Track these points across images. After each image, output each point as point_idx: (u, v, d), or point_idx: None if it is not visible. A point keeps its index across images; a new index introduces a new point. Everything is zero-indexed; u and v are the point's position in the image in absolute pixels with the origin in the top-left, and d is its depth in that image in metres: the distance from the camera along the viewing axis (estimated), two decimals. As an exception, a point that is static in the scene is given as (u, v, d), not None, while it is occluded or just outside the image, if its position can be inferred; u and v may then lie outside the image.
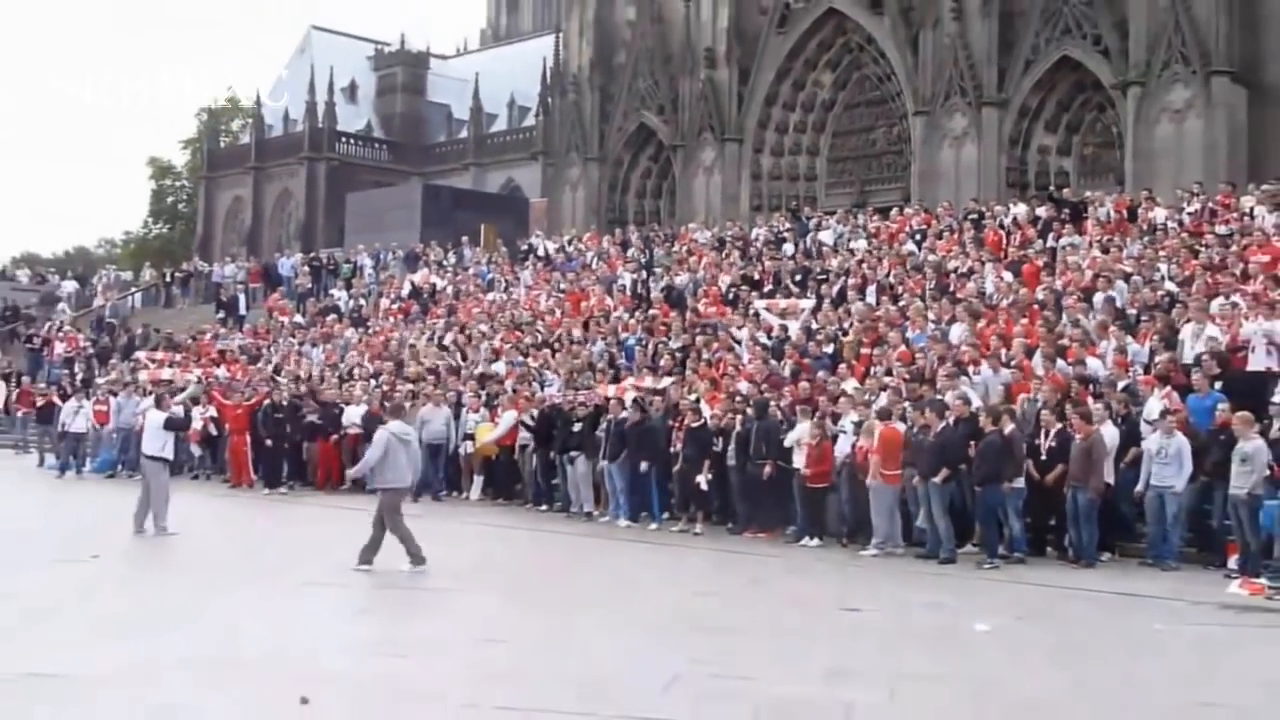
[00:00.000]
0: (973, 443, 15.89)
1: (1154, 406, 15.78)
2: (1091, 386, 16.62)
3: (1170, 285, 19.99)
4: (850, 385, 18.48)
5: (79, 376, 32.31)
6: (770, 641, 10.92)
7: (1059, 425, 15.70)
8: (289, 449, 24.49)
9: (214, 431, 25.91)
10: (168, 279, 47.15)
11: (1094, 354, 17.72)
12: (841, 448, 17.28)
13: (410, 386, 24.05)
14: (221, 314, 38.52)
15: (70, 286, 47.69)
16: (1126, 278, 20.58)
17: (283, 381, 26.33)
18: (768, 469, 17.69)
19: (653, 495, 19.44)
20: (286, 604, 12.74)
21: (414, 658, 9.99)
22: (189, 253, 63.61)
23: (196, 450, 26.31)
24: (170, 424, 17.93)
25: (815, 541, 17.19)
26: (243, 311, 38.50)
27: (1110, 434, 15.51)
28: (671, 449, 19.00)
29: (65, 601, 12.55)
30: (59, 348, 36.70)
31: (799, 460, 17.38)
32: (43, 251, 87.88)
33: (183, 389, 23.39)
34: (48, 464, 27.96)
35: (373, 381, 25.49)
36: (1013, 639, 11.26)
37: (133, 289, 47.68)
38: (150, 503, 17.35)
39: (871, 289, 24.11)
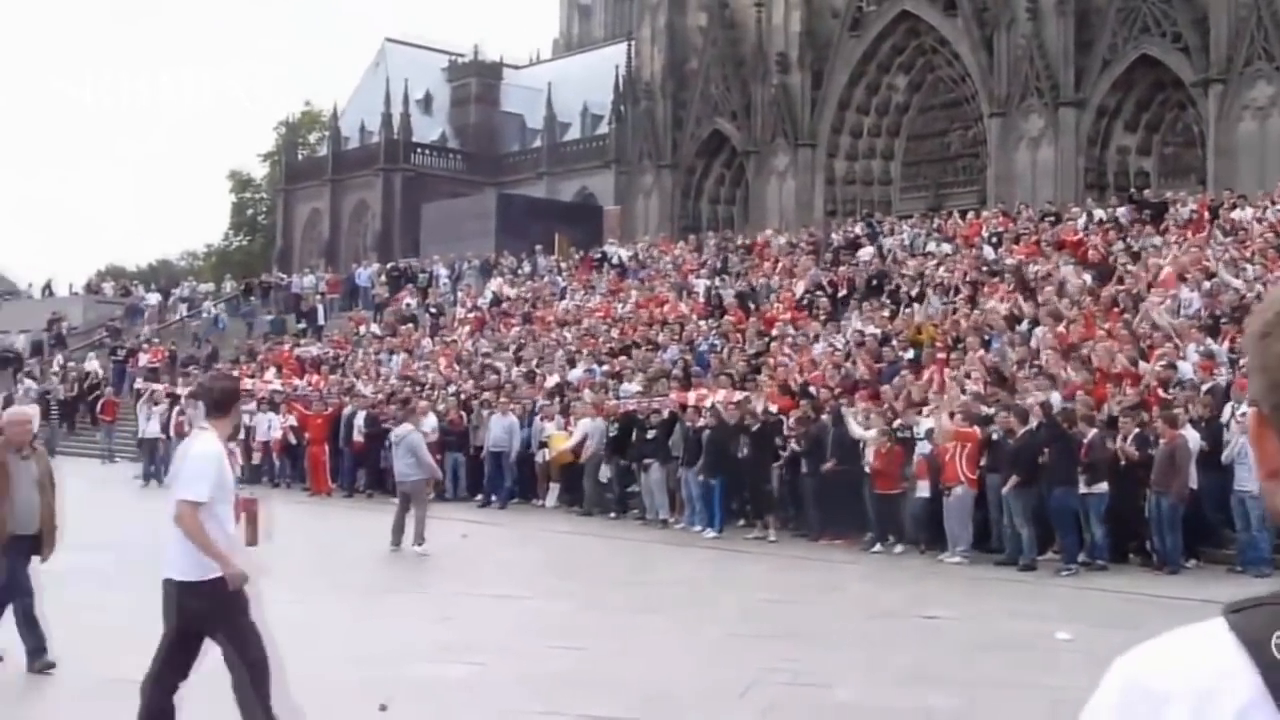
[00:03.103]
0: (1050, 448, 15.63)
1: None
2: (1172, 389, 16.32)
3: (1257, 286, 19.58)
4: (931, 390, 18.29)
5: (155, 386, 32.73)
6: (846, 648, 10.85)
7: (1137, 429, 15.38)
8: (366, 456, 24.78)
9: (294, 440, 26.36)
10: (248, 290, 47.91)
11: (1177, 356, 17.41)
12: (920, 453, 17.10)
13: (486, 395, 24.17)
14: (301, 324, 39.10)
15: (154, 299, 48.49)
16: (1210, 278, 20.24)
17: (362, 391, 26.58)
18: (827, 466, 17.61)
19: (716, 503, 19.31)
20: (365, 610, 12.86)
21: (491, 664, 10.04)
22: (269, 264, 64.42)
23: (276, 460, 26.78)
24: None
25: (884, 547, 17.06)
26: (321, 321, 39.03)
27: (1193, 438, 15.22)
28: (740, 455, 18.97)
29: (151, 611, 12.73)
30: (143, 359, 37.37)
31: (869, 464, 17.28)
32: (128, 264, 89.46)
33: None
34: (136, 472, 28.44)
35: (448, 389, 25.64)
36: (1094, 647, 11.07)
37: (184, 313, 47.75)
38: None
39: (949, 292, 23.91)
